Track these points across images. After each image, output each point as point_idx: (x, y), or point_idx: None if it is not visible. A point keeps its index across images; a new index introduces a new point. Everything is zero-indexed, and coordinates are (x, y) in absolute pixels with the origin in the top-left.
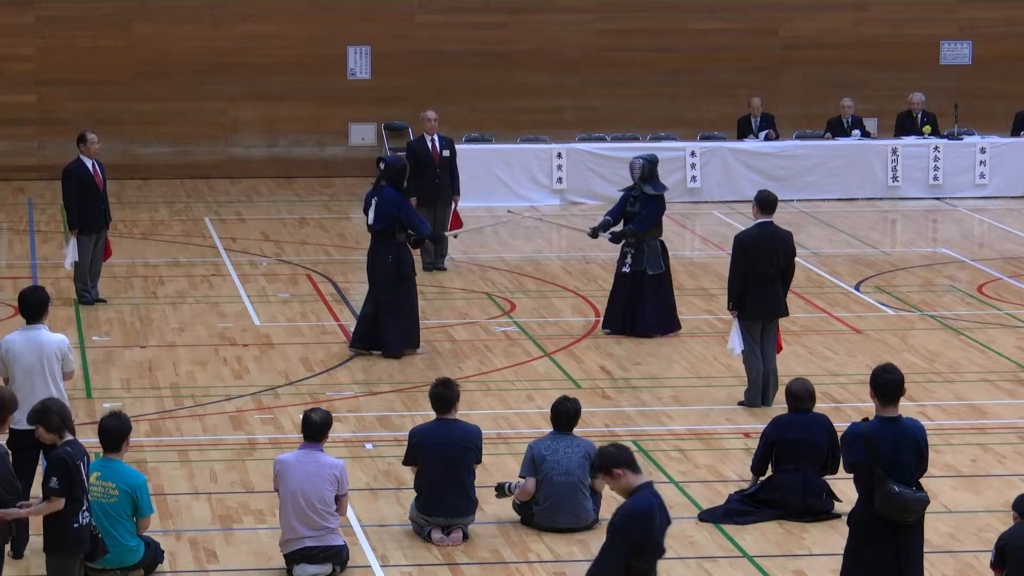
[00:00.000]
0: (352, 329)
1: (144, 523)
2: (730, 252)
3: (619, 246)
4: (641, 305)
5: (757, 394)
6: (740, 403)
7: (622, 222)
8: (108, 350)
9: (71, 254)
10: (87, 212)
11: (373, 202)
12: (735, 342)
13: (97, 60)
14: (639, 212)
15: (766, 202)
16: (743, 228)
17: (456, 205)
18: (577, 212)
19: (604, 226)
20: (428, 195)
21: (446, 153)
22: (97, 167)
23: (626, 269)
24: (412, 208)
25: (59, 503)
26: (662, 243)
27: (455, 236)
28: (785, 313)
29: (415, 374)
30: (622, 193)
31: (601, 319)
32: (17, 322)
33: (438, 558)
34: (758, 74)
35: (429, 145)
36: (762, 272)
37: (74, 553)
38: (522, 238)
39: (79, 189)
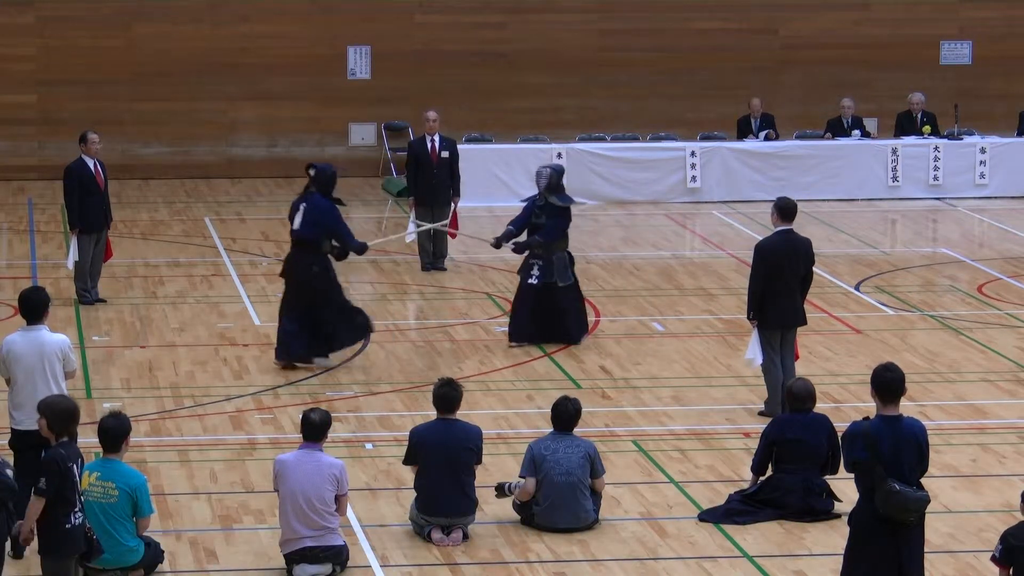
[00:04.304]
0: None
1: (144, 523)
2: (730, 253)
3: (522, 256)
4: (561, 315)
5: (777, 405)
6: (760, 413)
7: (525, 232)
8: (108, 350)
9: (72, 254)
10: (87, 212)
11: (301, 208)
12: (754, 353)
13: (97, 60)
14: (545, 223)
15: (787, 210)
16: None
17: (456, 206)
18: (577, 212)
19: (507, 236)
20: (425, 195)
21: (445, 154)
22: (98, 167)
23: (533, 281)
24: (342, 218)
25: (41, 503)
26: (569, 254)
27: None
28: (804, 322)
29: (415, 374)
30: (525, 203)
31: (508, 331)
32: (17, 322)
33: (438, 558)
34: (758, 74)
35: (428, 145)
36: (784, 281)
37: (67, 554)
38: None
39: (80, 189)
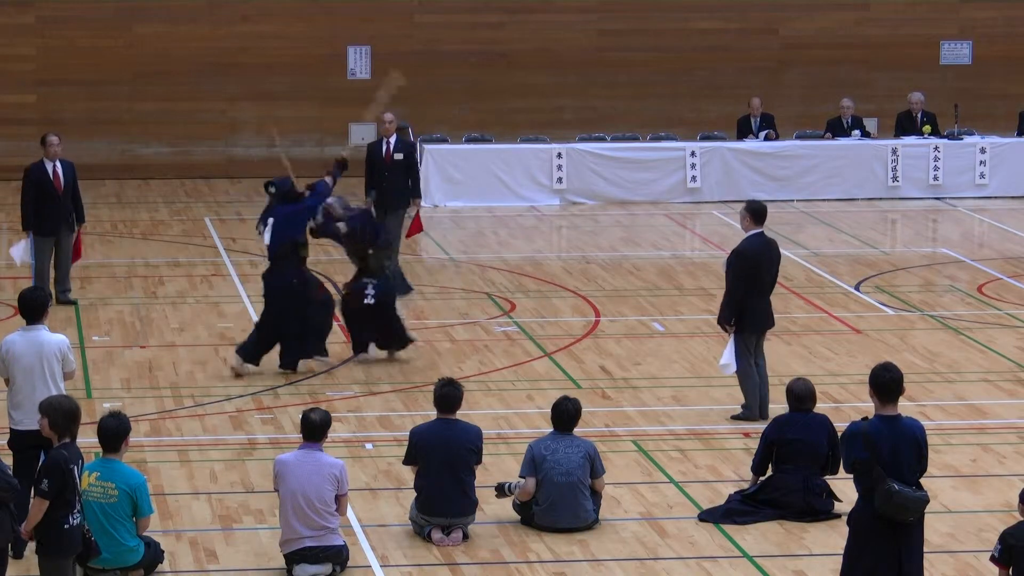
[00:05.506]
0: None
1: (144, 523)
2: (730, 252)
3: (358, 278)
4: (392, 322)
5: (755, 410)
6: (733, 416)
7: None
8: (108, 350)
9: (21, 253)
10: (42, 214)
11: (269, 222)
12: (729, 359)
13: (97, 60)
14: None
15: (760, 212)
16: (739, 236)
17: (417, 209)
18: (577, 212)
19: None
20: (378, 196)
21: (399, 156)
22: (59, 169)
23: (369, 301)
24: (305, 209)
25: (44, 505)
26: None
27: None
28: (774, 323)
29: (415, 374)
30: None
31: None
32: (17, 322)
33: (438, 558)
34: (758, 74)
35: (384, 147)
36: (760, 285)
37: (65, 554)
38: (522, 238)
39: (35, 191)
